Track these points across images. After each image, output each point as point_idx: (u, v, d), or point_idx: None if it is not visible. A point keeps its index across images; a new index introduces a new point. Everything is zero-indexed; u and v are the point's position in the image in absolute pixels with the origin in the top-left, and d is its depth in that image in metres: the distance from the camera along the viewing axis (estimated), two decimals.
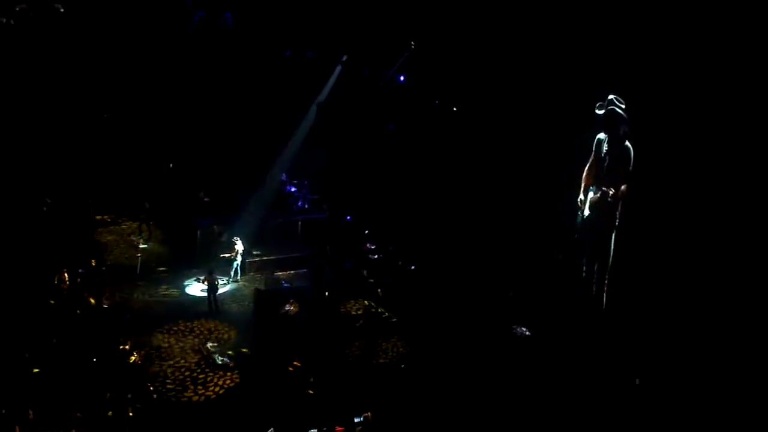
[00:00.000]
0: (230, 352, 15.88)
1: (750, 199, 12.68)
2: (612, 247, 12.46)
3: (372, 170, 24.24)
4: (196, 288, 19.96)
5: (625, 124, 11.94)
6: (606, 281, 12.65)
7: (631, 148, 12.24)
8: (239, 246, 20.66)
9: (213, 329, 17.28)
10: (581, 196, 12.80)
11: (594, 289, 12.73)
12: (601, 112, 11.95)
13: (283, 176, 25.10)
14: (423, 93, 21.93)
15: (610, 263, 12.51)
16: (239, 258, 20.76)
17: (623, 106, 11.93)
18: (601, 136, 12.45)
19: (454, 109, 21.01)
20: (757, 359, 12.16)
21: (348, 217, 23.97)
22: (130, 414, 12.57)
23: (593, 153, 12.51)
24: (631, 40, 14.34)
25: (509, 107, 18.94)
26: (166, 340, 16.63)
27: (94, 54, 21.75)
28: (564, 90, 16.30)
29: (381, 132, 23.90)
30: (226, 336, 16.97)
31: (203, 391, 14.44)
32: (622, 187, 12.02)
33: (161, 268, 20.97)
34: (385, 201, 23.70)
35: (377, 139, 23.99)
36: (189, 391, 14.42)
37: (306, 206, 24.24)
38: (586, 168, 12.59)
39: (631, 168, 12.18)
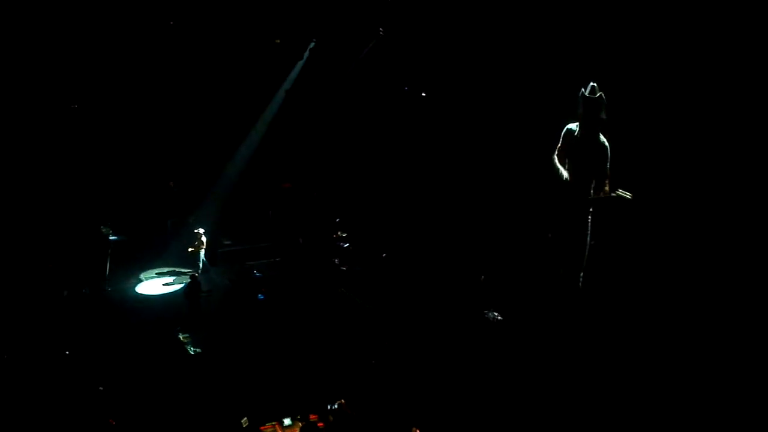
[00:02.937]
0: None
1: (731, 193, 12.81)
2: (589, 237, 12.53)
3: (342, 157, 24.15)
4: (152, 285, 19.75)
5: (605, 115, 11.90)
6: (581, 274, 12.72)
7: (608, 146, 12.27)
8: (204, 237, 20.42)
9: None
10: (554, 185, 12.81)
11: (569, 279, 12.80)
12: (590, 93, 11.73)
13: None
14: (392, 79, 21.85)
15: (586, 254, 12.58)
16: (203, 249, 20.54)
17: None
18: (572, 126, 12.38)
19: (423, 94, 21.02)
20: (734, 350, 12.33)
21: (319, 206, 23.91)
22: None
23: (561, 142, 12.47)
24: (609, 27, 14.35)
25: (477, 91, 19.01)
26: None
27: (60, 42, 21.04)
28: (536, 73, 16.34)
29: (350, 118, 23.79)
30: (197, 326, 16.80)
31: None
32: (602, 183, 12.07)
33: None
34: (356, 188, 23.65)
35: (346, 126, 23.88)
36: None
37: None
38: (555, 157, 12.55)
39: (609, 164, 12.23)
